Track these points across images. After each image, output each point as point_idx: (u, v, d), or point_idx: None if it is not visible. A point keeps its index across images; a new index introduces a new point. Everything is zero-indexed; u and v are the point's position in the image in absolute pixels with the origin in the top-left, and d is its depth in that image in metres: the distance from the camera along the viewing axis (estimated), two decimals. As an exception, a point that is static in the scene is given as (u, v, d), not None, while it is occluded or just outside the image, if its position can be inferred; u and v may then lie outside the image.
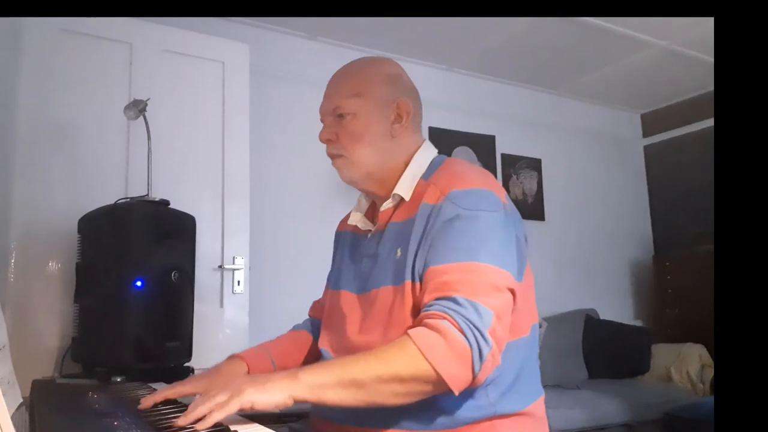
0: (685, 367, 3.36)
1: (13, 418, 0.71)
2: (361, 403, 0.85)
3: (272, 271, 2.85)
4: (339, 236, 1.27)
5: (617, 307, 4.03)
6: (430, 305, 0.89)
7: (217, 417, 0.79)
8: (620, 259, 4.23)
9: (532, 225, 3.86)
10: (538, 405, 1.04)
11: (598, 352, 3.40)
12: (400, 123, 1.09)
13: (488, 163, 3.76)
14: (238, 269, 2.46)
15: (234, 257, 2.47)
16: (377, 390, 0.84)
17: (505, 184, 3.81)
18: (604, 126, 4.33)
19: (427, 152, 1.12)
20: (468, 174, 1.02)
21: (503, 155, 3.84)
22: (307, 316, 1.35)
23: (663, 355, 3.47)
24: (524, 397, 1.00)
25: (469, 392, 0.90)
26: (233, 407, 0.80)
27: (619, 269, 4.22)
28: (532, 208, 3.89)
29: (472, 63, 3.61)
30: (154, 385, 1.26)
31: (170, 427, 0.81)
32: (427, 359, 0.82)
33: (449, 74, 3.70)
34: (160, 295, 1.73)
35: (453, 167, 1.06)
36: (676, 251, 3.98)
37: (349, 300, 1.10)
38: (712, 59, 3.28)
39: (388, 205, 1.08)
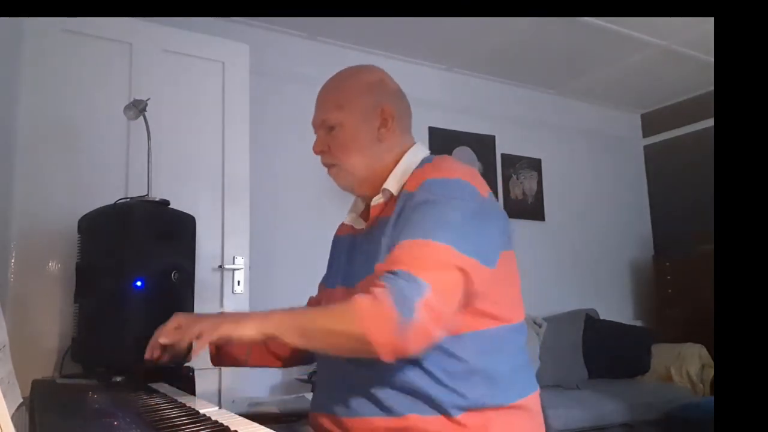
0: (685, 367, 3.36)
1: (13, 418, 0.71)
2: (310, 347, 0.99)
3: (272, 271, 2.85)
4: (336, 241, 1.30)
5: (617, 307, 4.03)
6: (380, 276, 0.94)
7: (203, 343, 0.91)
8: (620, 259, 4.23)
9: (532, 225, 3.87)
10: (531, 399, 1.06)
11: (598, 352, 3.41)
12: (386, 127, 1.14)
13: (488, 163, 3.76)
14: (238, 269, 2.46)
15: (234, 257, 2.47)
16: (321, 339, 0.95)
17: (505, 184, 3.81)
18: (604, 126, 4.33)
19: (419, 151, 1.16)
20: (448, 166, 1.07)
21: (503, 155, 3.84)
22: None
23: (663, 355, 3.47)
24: (516, 390, 1.03)
25: (456, 381, 0.96)
26: (212, 336, 0.92)
27: (619, 269, 4.22)
28: (532, 208, 3.89)
29: (472, 63, 3.61)
30: (154, 385, 1.26)
31: (170, 427, 0.81)
32: (358, 319, 0.89)
33: (449, 74, 3.70)
34: (160, 295, 1.73)
35: (438, 161, 1.10)
36: (676, 251, 3.97)
37: (343, 295, 1.12)
38: (712, 59, 3.28)
39: (378, 200, 1.12)
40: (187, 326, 0.96)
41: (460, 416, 0.96)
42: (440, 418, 0.97)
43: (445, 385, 0.96)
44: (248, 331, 0.92)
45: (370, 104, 1.14)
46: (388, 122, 1.14)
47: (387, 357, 0.89)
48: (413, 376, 0.97)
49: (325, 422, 1.06)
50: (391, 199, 1.10)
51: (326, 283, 1.27)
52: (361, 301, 0.90)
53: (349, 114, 1.13)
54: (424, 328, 0.89)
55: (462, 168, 1.07)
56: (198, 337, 0.92)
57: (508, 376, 1.02)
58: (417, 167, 1.10)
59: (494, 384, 0.99)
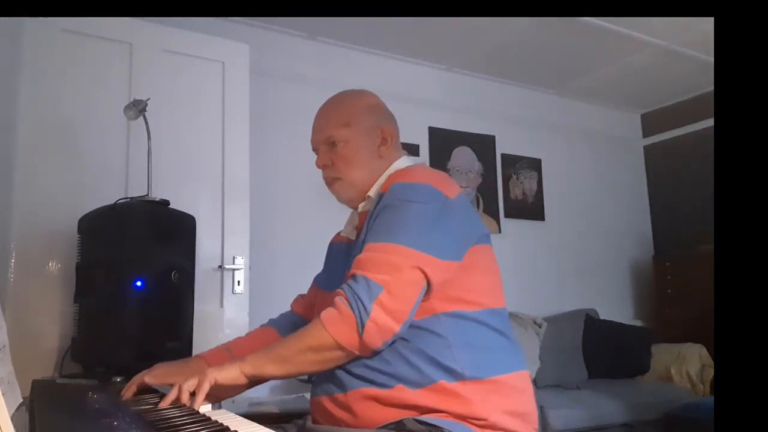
0: (685, 367, 3.36)
1: (13, 418, 0.71)
2: (292, 374, 1.06)
3: (272, 271, 2.85)
4: (332, 246, 1.38)
5: (617, 307, 4.03)
6: (342, 284, 1.05)
7: (200, 399, 0.96)
8: (620, 259, 4.23)
9: (532, 225, 3.87)
10: (515, 377, 1.11)
11: (598, 352, 3.41)
12: (386, 145, 1.25)
13: (488, 163, 3.76)
14: (238, 269, 2.46)
15: (234, 257, 2.47)
16: (299, 361, 1.04)
17: (505, 184, 3.81)
18: (604, 126, 4.33)
19: (403, 161, 1.25)
20: (416, 172, 1.16)
21: (503, 155, 3.84)
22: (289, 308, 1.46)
23: (663, 355, 3.47)
24: (497, 366, 1.09)
25: (438, 355, 1.04)
26: (206, 387, 0.98)
27: (619, 269, 4.22)
28: (532, 208, 3.89)
29: (472, 63, 3.61)
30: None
31: (170, 427, 0.81)
32: (326, 329, 1.01)
33: (449, 74, 3.70)
34: (160, 295, 1.73)
35: (409, 168, 1.20)
36: (676, 251, 3.98)
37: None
38: (712, 59, 3.29)
39: (364, 207, 1.22)
40: (177, 379, 1.04)
41: (443, 387, 1.03)
42: (425, 389, 1.04)
43: (429, 359, 1.04)
44: (230, 374, 1.02)
45: (372, 124, 1.24)
46: (388, 141, 1.25)
47: (363, 354, 1.03)
48: (399, 353, 1.05)
49: (325, 402, 1.13)
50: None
51: (320, 285, 1.36)
52: (325, 313, 1.02)
53: (354, 131, 1.23)
54: (381, 325, 1.00)
55: (430, 173, 1.16)
56: (194, 392, 0.99)
57: (487, 352, 1.09)
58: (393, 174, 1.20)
59: (474, 358, 1.06)
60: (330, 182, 1.27)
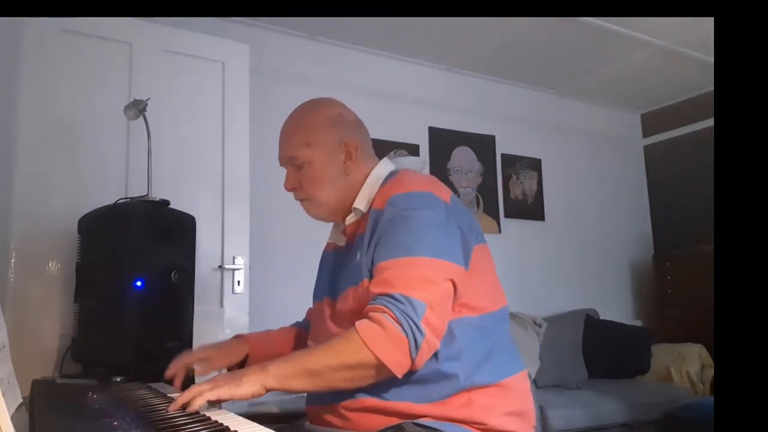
0: (685, 367, 3.36)
1: (13, 418, 0.71)
2: (319, 389, 0.99)
3: (272, 271, 2.85)
4: (324, 256, 1.36)
5: (617, 307, 4.03)
6: (374, 300, 0.99)
7: (198, 402, 0.91)
8: (620, 259, 4.23)
9: (532, 225, 3.87)
10: (516, 379, 1.11)
11: (598, 352, 3.41)
12: (351, 160, 1.20)
13: (488, 163, 3.76)
14: (238, 269, 2.46)
15: (234, 257, 2.47)
16: (330, 377, 0.97)
17: (505, 184, 3.81)
18: (604, 126, 4.33)
19: (383, 169, 1.22)
20: (410, 180, 1.13)
21: (503, 155, 3.84)
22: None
23: (663, 355, 3.47)
24: (499, 371, 1.08)
25: (441, 364, 1.02)
26: (212, 396, 0.93)
27: (619, 269, 4.22)
28: (532, 208, 3.89)
29: (472, 63, 3.61)
30: (153, 385, 1.26)
31: (170, 427, 0.81)
32: (369, 348, 0.94)
33: (449, 74, 3.70)
34: (160, 295, 1.73)
35: (400, 176, 1.16)
36: (676, 251, 3.97)
37: (328, 305, 1.20)
38: (712, 59, 3.29)
39: (351, 219, 1.19)
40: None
41: (448, 398, 1.03)
42: (430, 403, 1.02)
43: (435, 370, 1.02)
44: (249, 389, 0.94)
45: (334, 140, 1.19)
46: (353, 155, 1.19)
47: (400, 375, 0.97)
48: None
49: (322, 413, 1.11)
50: (363, 216, 1.16)
51: (314, 296, 1.33)
52: (366, 329, 0.95)
53: (316, 151, 1.18)
54: (430, 344, 0.97)
55: (423, 180, 1.14)
56: (196, 396, 0.94)
57: (490, 358, 1.08)
58: (382, 184, 1.17)
59: (477, 365, 1.06)
60: (300, 201, 1.24)
